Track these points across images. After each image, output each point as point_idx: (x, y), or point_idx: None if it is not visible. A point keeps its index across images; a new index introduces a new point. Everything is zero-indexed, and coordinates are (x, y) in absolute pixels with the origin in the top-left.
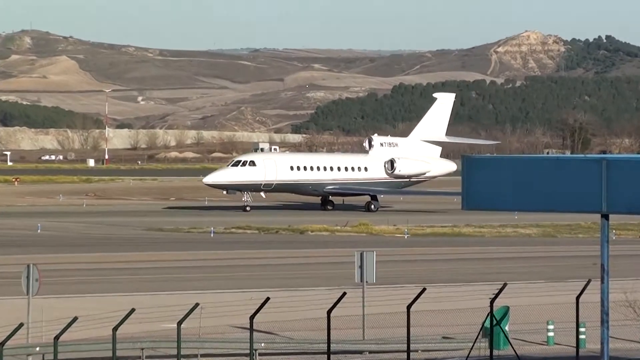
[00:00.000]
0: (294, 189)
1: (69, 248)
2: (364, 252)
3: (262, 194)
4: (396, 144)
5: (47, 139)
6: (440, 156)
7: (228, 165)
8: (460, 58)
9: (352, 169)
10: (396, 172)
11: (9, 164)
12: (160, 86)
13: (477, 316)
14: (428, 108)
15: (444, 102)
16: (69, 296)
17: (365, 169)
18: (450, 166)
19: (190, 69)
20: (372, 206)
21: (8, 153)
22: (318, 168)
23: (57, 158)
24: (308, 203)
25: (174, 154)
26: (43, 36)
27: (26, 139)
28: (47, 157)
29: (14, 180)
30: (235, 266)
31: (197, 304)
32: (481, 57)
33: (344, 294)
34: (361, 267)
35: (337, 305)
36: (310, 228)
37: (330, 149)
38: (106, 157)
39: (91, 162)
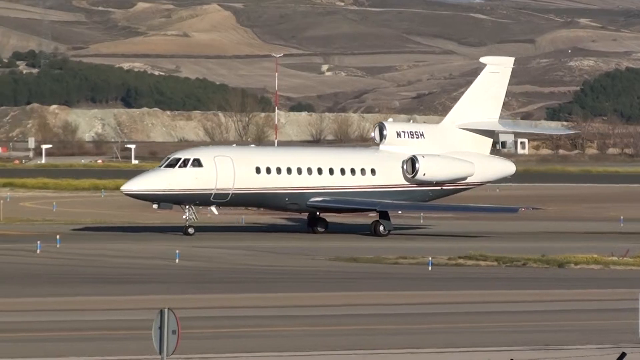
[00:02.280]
0: (260, 202)
1: (220, 286)
2: None
3: (212, 208)
4: (421, 134)
5: (190, 126)
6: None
7: (160, 166)
8: None
9: (352, 171)
10: (419, 176)
11: (134, 162)
12: (356, 50)
13: None
14: None
15: (498, 71)
16: (219, 356)
17: (373, 171)
18: (506, 167)
19: (398, 26)
20: (382, 227)
21: (132, 147)
22: (299, 170)
23: None
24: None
25: None
26: None
27: (159, 125)
28: None
29: None
30: (459, 313)
31: None
32: None
33: (623, 355)
34: None
35: None
36: (573, 259)
37: (603, 142)
38: None
39: None
